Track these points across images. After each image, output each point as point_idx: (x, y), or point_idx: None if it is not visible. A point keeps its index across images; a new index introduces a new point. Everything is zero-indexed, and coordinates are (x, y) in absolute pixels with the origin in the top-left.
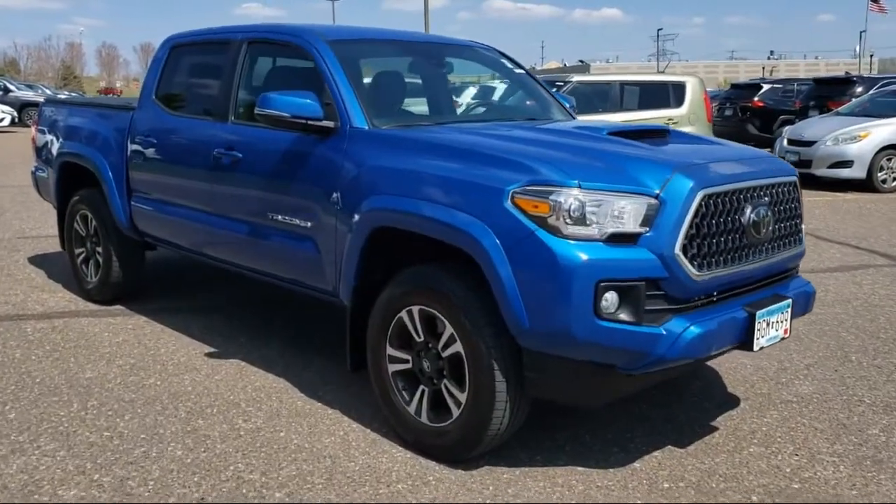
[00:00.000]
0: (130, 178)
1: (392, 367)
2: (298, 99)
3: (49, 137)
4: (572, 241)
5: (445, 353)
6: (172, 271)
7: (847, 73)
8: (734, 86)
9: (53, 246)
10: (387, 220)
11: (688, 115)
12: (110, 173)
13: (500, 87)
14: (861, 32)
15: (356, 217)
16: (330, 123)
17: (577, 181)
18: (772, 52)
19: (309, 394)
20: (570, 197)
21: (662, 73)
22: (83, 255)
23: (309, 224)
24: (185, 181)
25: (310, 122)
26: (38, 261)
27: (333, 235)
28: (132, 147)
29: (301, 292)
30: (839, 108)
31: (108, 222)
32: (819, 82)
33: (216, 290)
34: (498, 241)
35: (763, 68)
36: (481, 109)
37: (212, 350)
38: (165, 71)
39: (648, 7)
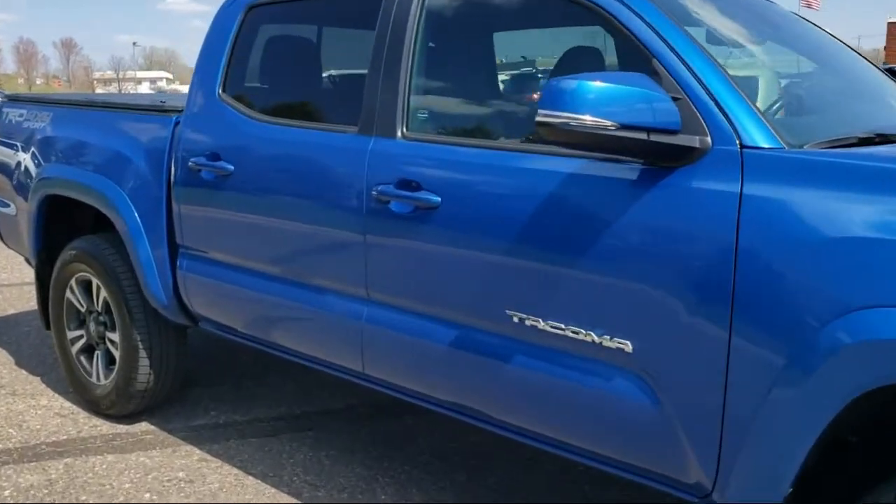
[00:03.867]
0: (177, 224)
1: None
2: (636, 89)
3: (18, 155)
4: None
5: None
6: (206, 346)
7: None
8: None
9: (23, 301)
10: None
11: None
12: (136, 216)
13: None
14: None
15: (813, 353)
16: (693, 140)
17: None
18: None
19: None
20: None
21: None
22: (82, 343)
23: (630, 346)
24: (302, 238)
25: (653, 134)
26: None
27: (716, 378)
28: (180, 175)
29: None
30: None
31: (133, 295)
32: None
33: (288, 380)
34: None
35: None
36: (799, 106)
37: None
38: (239, 49)
39: None
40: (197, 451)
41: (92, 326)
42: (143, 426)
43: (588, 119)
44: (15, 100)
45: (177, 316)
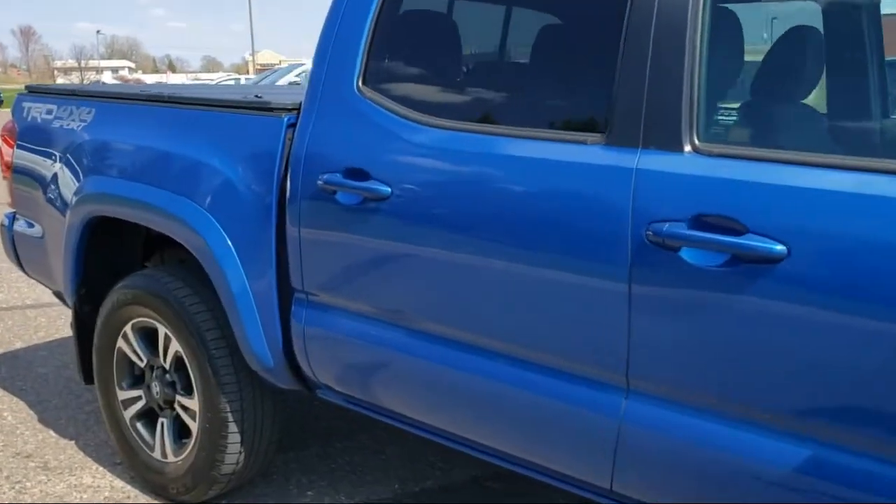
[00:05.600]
0: (293, 263)
1: None
2: None
3: (47, 164)
4: None
5: None
6: None
7: None
8: None
9: (30, 330)
10: None
11: None
12: (232, 248)
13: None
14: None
15: None
16: None
17: None
18: None
19: None
20: None
21: None
22: (140, 406)
23: None
24: (509, 292)
25: None
26: (8, 371)
27: None
28: (301, 196)
29: None
30: None
31: (220, 350)
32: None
33: (386, 441)
34: None
35: None
36: None
37: None
38: (385, 26)
39: None
40: None
41: (155, 386)
42: None
43: None
44: (38, 92)
45: (285, 381)
